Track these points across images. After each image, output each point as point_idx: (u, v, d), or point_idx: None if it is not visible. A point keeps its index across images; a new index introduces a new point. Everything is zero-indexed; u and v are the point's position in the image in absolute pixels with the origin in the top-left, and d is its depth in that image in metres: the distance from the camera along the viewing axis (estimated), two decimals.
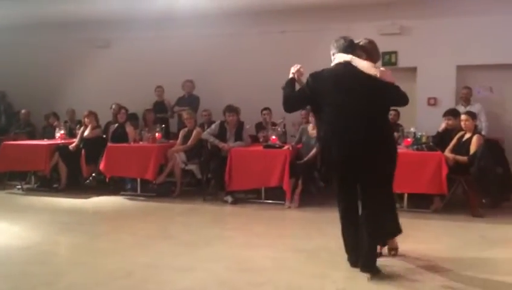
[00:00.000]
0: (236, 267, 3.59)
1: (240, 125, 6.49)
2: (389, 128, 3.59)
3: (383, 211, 3.35)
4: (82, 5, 8.05)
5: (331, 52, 3.38)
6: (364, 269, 3.25)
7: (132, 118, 7.70)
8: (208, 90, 8.13)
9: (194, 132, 6.70)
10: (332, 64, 3.37)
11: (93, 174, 6.92)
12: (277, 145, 6.13)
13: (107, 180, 6.72)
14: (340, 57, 3.29)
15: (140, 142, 6.88)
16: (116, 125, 7.18)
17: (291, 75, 3.48)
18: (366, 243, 3.24)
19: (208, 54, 8.45)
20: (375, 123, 3.22)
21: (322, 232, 4.63)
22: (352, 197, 3.37)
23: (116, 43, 9.09)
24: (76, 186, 6.96)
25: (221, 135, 6.39)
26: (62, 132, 7.38)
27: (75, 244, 4.34)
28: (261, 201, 6.11)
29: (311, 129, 6.30)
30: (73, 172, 6.93)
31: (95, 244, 4.30)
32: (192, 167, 6.60)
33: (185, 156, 6.60)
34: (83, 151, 6.80)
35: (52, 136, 7.54)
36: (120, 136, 7.00)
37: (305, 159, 6.05)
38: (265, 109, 7.27)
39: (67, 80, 9.12)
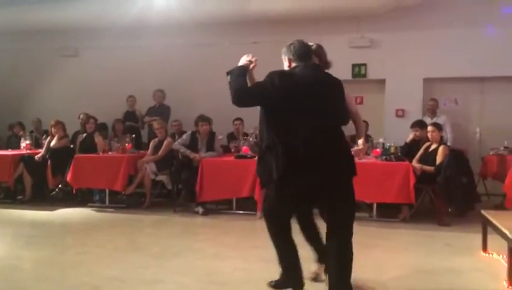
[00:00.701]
0: (206, 279, 3.55)
1: (211, 136, 6.47)
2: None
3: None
4: (50, 13, 7.90)
5: (285, 57, 3.01)
6: None
7: (101, 128, 7.55)
8: (180, 100, 8.07)
9: (165, 142, 6.63)
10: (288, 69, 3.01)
11: (60, 186, 6.73)
12: (248, 156, 6.13)
13: (74, 191, 6.56)
14: (304, 62, 2.94)
15: (110, 153, 6.75)
16: (85, 135, 7.04)
17: (243, 63, 3.00)
18: (337, 277, 2.86)
19: (179, 63, 8.41)
20: (339, 135, 2.92)
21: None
22: (293, 215, 3.09)
23: (85, 52, 8.94)
24: (42, 198, 6.76)
25: (192, 145, 6.35)
26: (28, 141, 7.19)
27: (40, 258, 4.19)
28: (233, 212, 6.09)
29: None
30: (38, 183, 6.74)
31: (60, 258, 4.17)
32: (162, 177, 6.52)
33: (155, 166, 6.52)
34: (49, 161, 6.62)
35: (17, 146, 7.32)
36: (88, 146, 6.86)
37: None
38: (237, 119, 7.28)
39: (34, 88, 8.89)
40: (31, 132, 7.81)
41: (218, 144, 6.55)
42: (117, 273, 3.66)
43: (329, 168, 2.78)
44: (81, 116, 7.55)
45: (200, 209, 5.99)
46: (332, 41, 7.96)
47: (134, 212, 6.20)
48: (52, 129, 6.86)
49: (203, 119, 6.44)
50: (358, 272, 3.70)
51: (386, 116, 7.89)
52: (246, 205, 6.09)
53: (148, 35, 8.39)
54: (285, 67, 3.01)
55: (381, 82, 7.97)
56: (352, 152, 2.97)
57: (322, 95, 2.82)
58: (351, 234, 2.91)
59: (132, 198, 6.61)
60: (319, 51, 3.23)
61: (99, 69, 8.71)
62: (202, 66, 8.49)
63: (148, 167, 6.45)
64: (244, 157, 6.11)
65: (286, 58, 3.00)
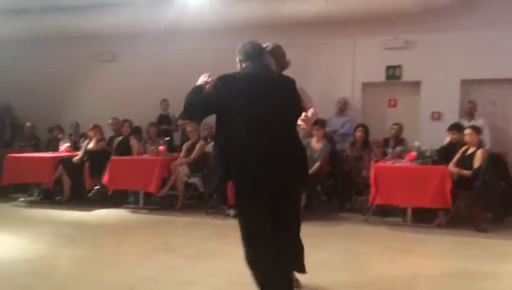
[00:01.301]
0: (237, 281, 3.56)
1: None
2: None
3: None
4: (89, 19, 8.17)
5: (237, 59, 3.01)
6: None
7: (136, 131, 7.74)
8: None
9: (198, 145, 6.72)
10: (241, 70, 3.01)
11: (96, 187, 6.94)
12: None
13: (109, 193, 6.73)
14: (253, 62, 2.92)
15: (144, 155, 6.90)
16: (121, 138, 7.22)
17: (199, 83, 3.00)
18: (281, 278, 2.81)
19: (212, 67, 8.43)
20: (292, 136, 2.87)
21: (324, 246, 4.60)
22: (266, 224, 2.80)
23: (122, 57, 9.18)
24: (80, 199, 6.96)
25: None
26: (67, 144, 7.42)
27: (78, 257, 4.32)
28: None
29: (315, 143, 6.31)
30: (76, 185, 6.94)
31: (97, 257, 4.29)
32: (195, 180, 6.61)
33: (188, 169, 6.61)
34: (86, 164, 6.82)
35: (57, 149, 7.58)
36: (124, 149, 7.03)
37: (309, 172, 6.02)
38: None
39: (72, 93, 9.20)
40: (70, 135, 8.07)
41: None
42: (151, 273, 3.73)
43: (277, 168, 2.72)
44: (110, 121, 7.74)
45: (232, 212, 6.02)
46: (365, 43, 7.95)
47: (167, 213, 6.30)
48: (90, 132, 7.08)
49: None
50: (394, 277, 3.66)
51: (422, 119, 7.72)
52: None
53: (181, 39, 8.53)
54: (238, 68, 3.01)
55: (417, 84, 7.81)
56: (301, 121, 2.69)
57: (267, 95, 2.77)
58: (299, 231, 2.98)
59: (165, 200, 6.72)
60: (275, 52, 3.19)
61: (135, 73, 8.93)
62: (234, 69, 8.55)
63: (181, 170, 6.55)
64: None
65: (237, 59, 3.00)
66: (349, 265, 4.06)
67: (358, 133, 6.56)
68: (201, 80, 3.02)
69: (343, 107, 7.73)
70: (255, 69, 2.88)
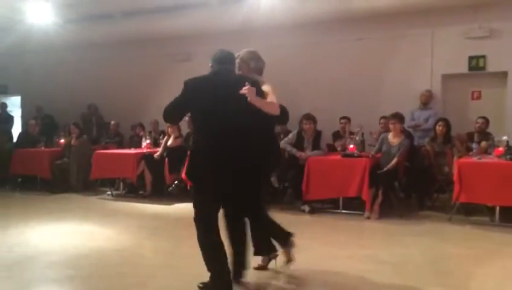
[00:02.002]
0: (320, 277, 3.56)
1: (317, 134, 6.46)
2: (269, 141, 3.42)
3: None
4: (165, 21, 8.53)
5: (210, 65, 3.24)
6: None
7: None
8: (284, 100, 8.16)
9: None
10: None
11: (176, 182, 7.24)
12: (355, 154, 6.01)
13: (188, 187, 6.99)
14: (219, 66, 3.18)
15: None
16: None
17: None
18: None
19: (283, 64, 8.51)
20: (252, 132, 3.05)
21: (404, 244, 4.46)
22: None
23: (196, 56, 9.46)
24: (160, 193, 7.29)
25: (298, 144, 6.40)
26: (148, 141, 7.81)
27: (161, 248, 4.56)
28: (339, 211, 6.02)
29: (392, 138, 6.12)
30: (157, 179, 7.29)
31: (179, 249, 4.47)
32: None
33: None
34: (166, 159, 7.14)
35: (139, 146, 8.01)
36: None
37: (386, 168, 5.87)
38: (344, 117, 7.18)
39: (152, 92, 9.66)
40: (150, 132, 8.49)
41: (324, 143, 6.52)
42: None
43: (239, 166, 2.99)
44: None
45: (307, 208, 6.02)
46: (446, 32, 7.55)
47: None
48: (169, 129, 7.39)
49: (307, 117, 6.46)
50: (482, 280, 3.46)
51: (509, 112, 7.19)
52: (352, 204, 5.99)
53: (252, 37, 8.63)
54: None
55: (503, 75, 7.27)
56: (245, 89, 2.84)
57: (227, 95, 2.96)
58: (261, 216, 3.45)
59: None
60: (246, 56, 3.43)
61: (208, 72, 9.17)
62: (306, 65, 8.52)
63: None
64: (351, 156, 6.00)
65: (210, 65, 3.24)
66: (434, 265, 3.90)
67: (439, 128, 6.24)
68: None
69: (427, 100, 7.35)
70: (220, 71, 3.15)
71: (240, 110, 2.90)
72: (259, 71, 3.51)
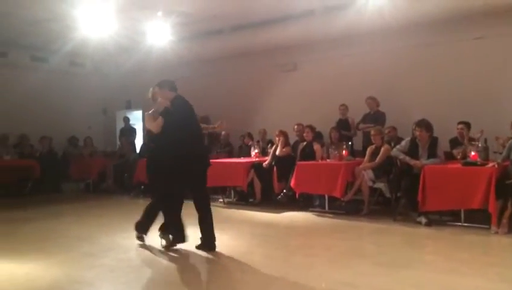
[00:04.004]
0: None
1: (433, 141, 6.08)
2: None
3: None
4: (270, 34, 8.75)
5: (163, 90, 4.74)
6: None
7: (318, 136, 7.93)
8: (394, 105, 7.88)
9: (382, 149, 6.54)
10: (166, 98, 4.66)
11: (284, 191, 7.33)
12: (478, 163, 5.54)
13: (296, 196, 7.03)
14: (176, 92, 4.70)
15: (328, 160, 7.03)
16: (304, 143, 7.49)
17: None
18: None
19: (391, 68, 8.24)
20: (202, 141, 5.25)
21: None
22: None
23: (302, 65, 9.55)
24: (269, 201, 7.44)
25: (412, 151, 6.08)
26: (256, 150, 8.03)
27: (274, 256, 4.60)
28: (460, 224, 5.58)
29: None
30: (266, 188, 7.45)
31: (292, 259, 4.48)
32: (380, 185, 6.44)
33: (373, 173, 6.48)
34: (274, 168, 7.27)
35: (247, 154, 8.26)
36: (308, 153, 7.28)
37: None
38: (461, 123, 6.66)
39: (260, 102, 9.95)
40: (258, 141, 8.72)
41: (441, 151, 6.11)
42: (348, 278, 3.73)
43: (197, 162, 4.71)
44: (296, 127, 8.05)
45: (423, 220, 5.67)
46: None
47: (353, 219, 6.27)
48: (277, 138, 7.53)
49: (419, 124, 6.09)
50: None
51: None
52: (475, 217, 5.52)
53: (357, 43, 8.49)
54: (161, 96, 4.73)
55: None
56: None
57: (193, 114, 4.76)
58: (209, 205, 4.90)
59: (350, 205, 6.71)
60: (161, 84, 4.80)
61: (314, 80, 9.21)
62: (416, 68, 8.13)
63: (365, 174, 6.46)
64: (474, 164, 5.54)
65: (163, 90, 4.72)
66: None
67: None
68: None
69: None
70: (181, 98, 4.66)
71: (197, 124, 5.00)
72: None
